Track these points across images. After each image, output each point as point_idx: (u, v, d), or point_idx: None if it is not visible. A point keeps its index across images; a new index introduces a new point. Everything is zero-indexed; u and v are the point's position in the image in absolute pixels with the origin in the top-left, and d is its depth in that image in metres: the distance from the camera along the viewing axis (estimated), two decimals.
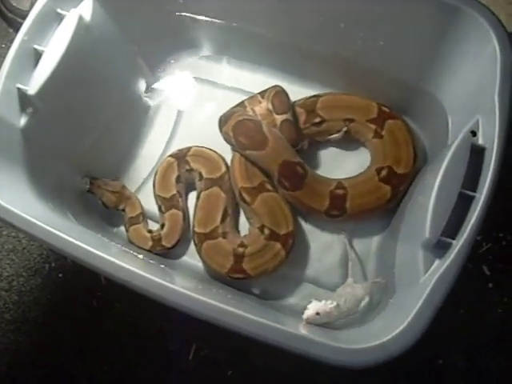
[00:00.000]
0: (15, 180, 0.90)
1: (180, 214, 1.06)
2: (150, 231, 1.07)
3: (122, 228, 1.09)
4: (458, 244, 0.72)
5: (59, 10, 0.93)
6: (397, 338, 0.69)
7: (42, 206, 0.92)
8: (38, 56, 0.90)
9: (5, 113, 0.87)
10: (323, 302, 0.90)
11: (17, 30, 0.90)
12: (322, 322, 0.88)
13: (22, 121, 0.91)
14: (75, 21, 0.91)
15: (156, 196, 1.08)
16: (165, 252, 1.06)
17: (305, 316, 0.88)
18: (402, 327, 0.70)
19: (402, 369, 1.04)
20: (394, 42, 0.97)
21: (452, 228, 0.74)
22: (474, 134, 0.80)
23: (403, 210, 0.97)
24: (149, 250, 1.05)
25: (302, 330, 0.74)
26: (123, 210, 1.08)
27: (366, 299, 0.94)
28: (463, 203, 0.75)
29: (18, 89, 0.89)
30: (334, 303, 0.89)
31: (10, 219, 0.81)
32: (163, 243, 1.05)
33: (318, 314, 0.88)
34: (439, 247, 0.75)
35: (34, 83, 0.88)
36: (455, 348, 1.06)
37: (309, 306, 0.89)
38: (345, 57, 1.05)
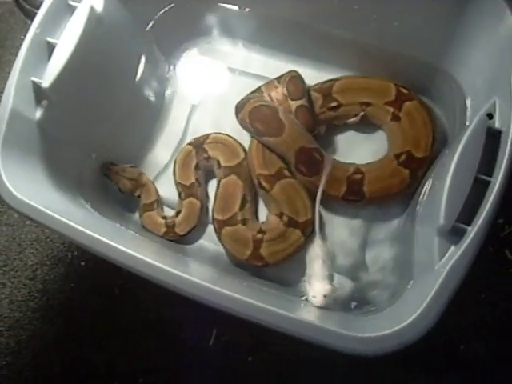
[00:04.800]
0: (32, 172, 0.91)
1: (198, 203, 1.06)
2: (164, 217, 1.08)
3: None
4: (473, 230, 0.71)
5: (71, 2, 0.93)
6: (410, 326, 0.68)
7: (59, 197, 0.93)
8: (51, 49, 0.91)
9: (20, 106, 0.88)
10: (317, 283, 0.91)
11: None
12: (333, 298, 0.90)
13: (38, 114, 0.91)
14: (86, 12, 0.91)
15: (177, 183, 1.09)
16: (177, 239, 1.06)
17: (318, 304, 0.88)
18: (415, 315, 0.69)
19: (422, 353, 1.03)
20: (408, 23, 0.95)
21: (467, 214, 0.73)
22: (490, 116, 0.77)
23: (421, 195, 0.95)
24: (161, 236, 1.06)
25: (317, 319, 0.73)
26: (139, 196, 1.09)
27: None
28: (479, 188, 0.73)
29: (33, 82, 0.89)
30: (327, 274, 0.92)
31: (27, 212, 0.81)
32: (176, 230, 1.05)
33: (325, 296, 0.90)
34: (454, 233, 0.73)
35: (48, 76, 0.88)
36: (476, 333, 1.04)
37: (312, 294, 0.91)
38: (360, 39, 1.03)
